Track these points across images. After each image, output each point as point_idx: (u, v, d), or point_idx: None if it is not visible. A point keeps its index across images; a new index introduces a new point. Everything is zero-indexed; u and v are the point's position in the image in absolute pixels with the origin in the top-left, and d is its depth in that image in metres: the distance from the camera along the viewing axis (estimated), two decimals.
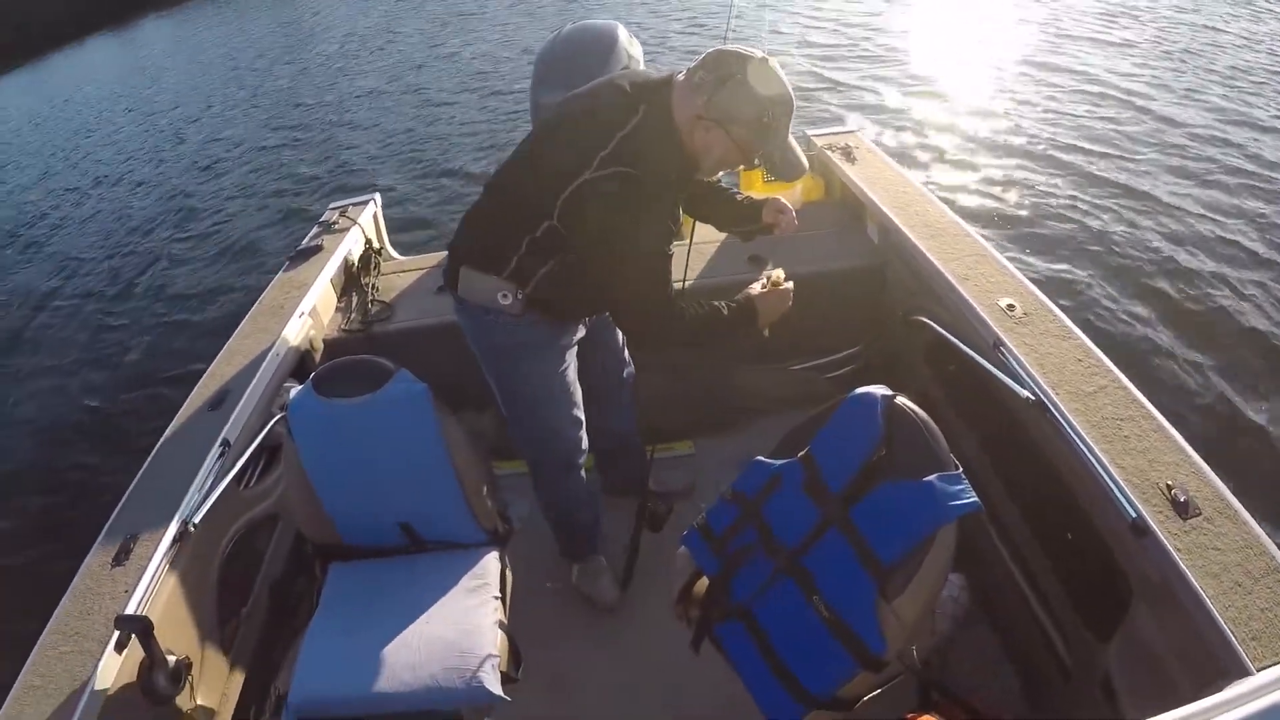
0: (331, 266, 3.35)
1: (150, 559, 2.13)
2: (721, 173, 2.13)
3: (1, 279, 10.95)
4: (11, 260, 11.90)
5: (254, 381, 2.70)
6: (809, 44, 11.08)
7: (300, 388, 2.13)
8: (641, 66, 2.65)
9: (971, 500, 1.45)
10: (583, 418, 2.38)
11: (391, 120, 12.13)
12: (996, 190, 6.49)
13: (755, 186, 3.40)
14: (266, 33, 29.05)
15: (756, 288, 2.12)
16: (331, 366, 2.10)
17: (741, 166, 3.01)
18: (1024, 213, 6.07)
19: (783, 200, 2.29)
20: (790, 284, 2.13)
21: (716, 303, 2.04)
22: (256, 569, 2.71)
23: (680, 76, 1.87)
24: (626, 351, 2.64)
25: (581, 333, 2.30)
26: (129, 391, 6.68)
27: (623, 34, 2.69)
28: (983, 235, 2.76)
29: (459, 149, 9.97)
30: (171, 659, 2.02)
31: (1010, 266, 2.56)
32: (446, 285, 2.18)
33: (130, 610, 2.01)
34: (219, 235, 9.59)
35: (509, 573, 2.23)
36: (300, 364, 3.00)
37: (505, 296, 2.02)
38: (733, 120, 1.80)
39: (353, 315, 3.28)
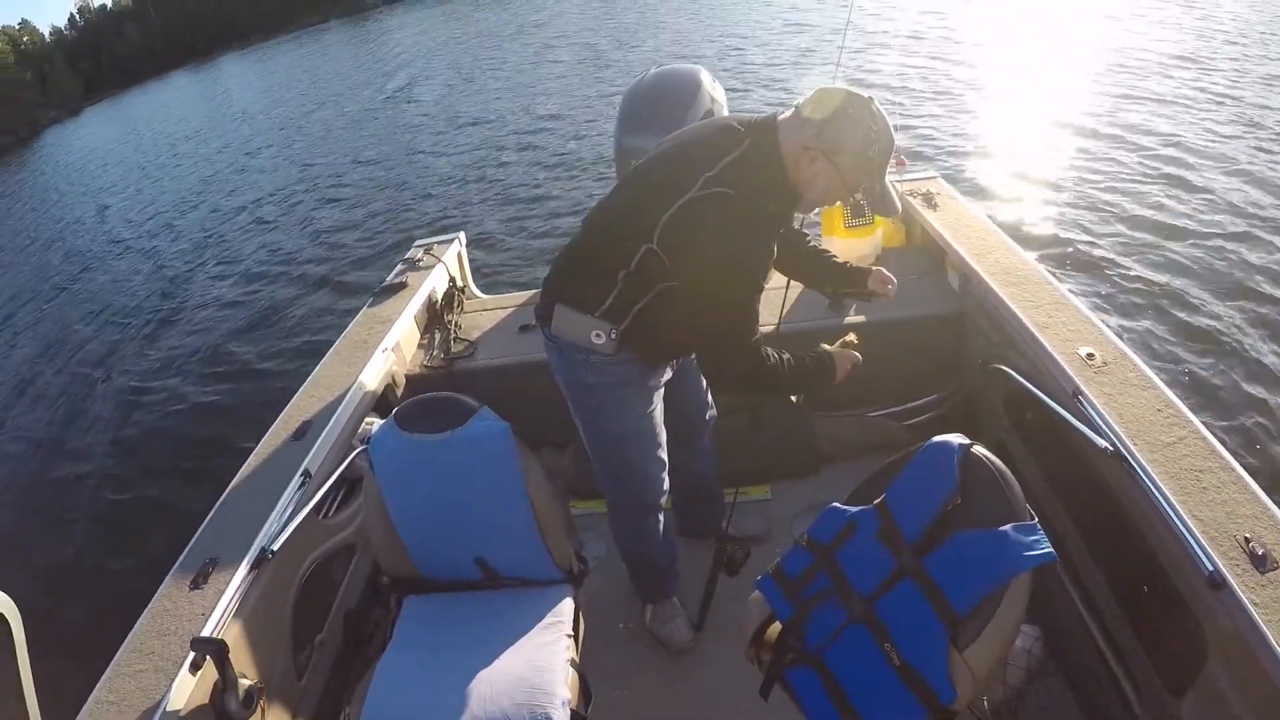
0: (415, 303, 3.46)
1: (228, 584, 2.22)
2: (816, 210, 2.17)
3: (95, 307, 11.51)
4: (94, 289, 12.50)
5: (336, 414, 2.80)
6: (892, 90, 11.21)
7: (382, 423, 2.21)
8: (725, 110, 2.71)
9: (1046, 551, 1.46)
10: (666, 459, 2.43)
11: (476, 160, 12.47)
12: (1078, 238, 6.47)
13: (837, 231, 3.44)
14: (343, 70, 30.19)
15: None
16: (414, 403, 2.17)
17: (838, 203, 3.02)
18: (1105, 261, 6.04)
19: (888, 274, 2.33)
20: (858, 355, 2.17)
21: (799, 353, 2.08)
22: (332, 598, 2.79)
23: (784, 115, 1.93)
24: (710, 395, 2.68)
25: (669, 375, 2.34)
26: (212, 419, 6.99)
27: (706, 78, 2.75)
28: (1063, 283, 2.77)
29: (544, 190, 10.19)
30: (244, 682, 2.10)
31: (1090, 315, 2.56)
32: (539, 322, 2.24)
33: (206, 633, 2.08)
34: (303, 271, 9.99)
35: (582, 612, 2.27)
36: (382, 398, 3.10)
37: (599, 336, 2.07)
38: (841, 151, 1.84)
39: (435, 352, 3.39)
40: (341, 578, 2.85)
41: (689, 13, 19.22)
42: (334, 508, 2.79)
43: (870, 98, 1.85)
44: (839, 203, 3.29)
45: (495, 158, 12.36)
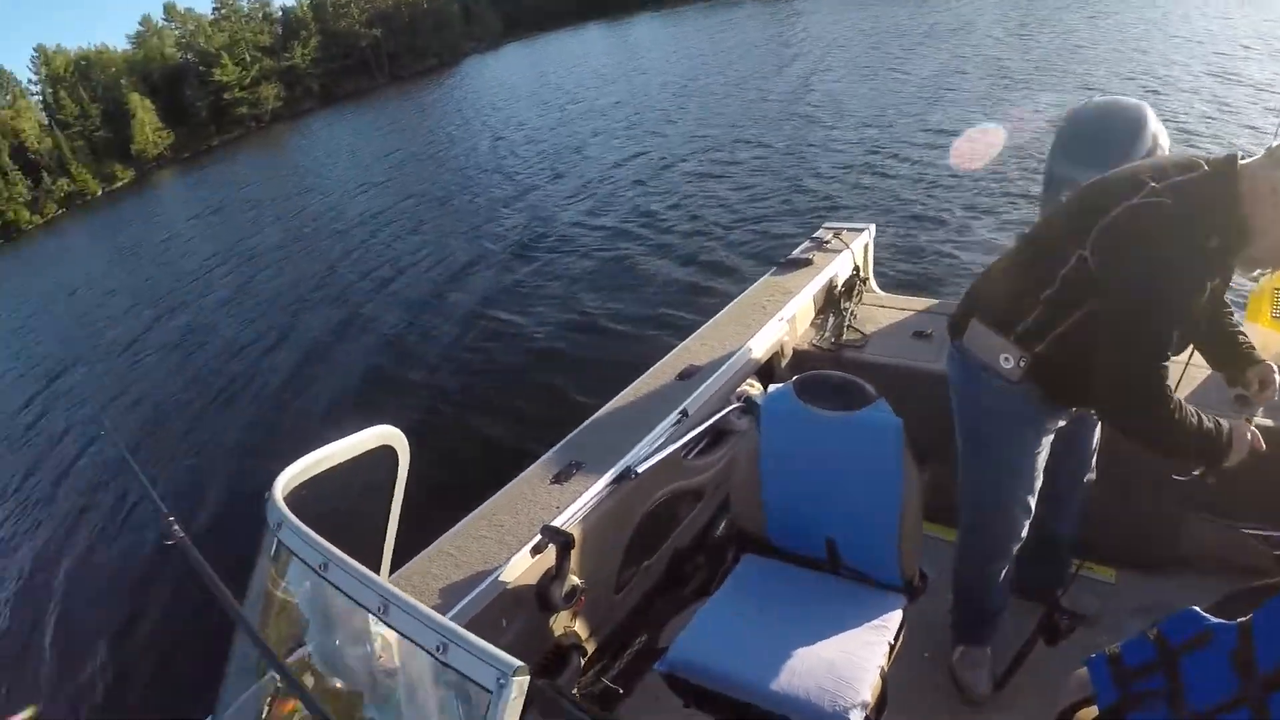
0: (817, 283, 3.64)
1: (588, 488, 2.51)
2: (1259, 272, 2.07)
3: (471, 223, 13.11)
4: (473, 208, 14.32)
5: (724, 367, 3.05)
6: None
7: (781, 385, 2.39)
8: (1167, 154, 2.58)
9: None
10: (1033, 508, 2.40)
11: (877, 159, 12.68)
12: None
13: (1261, 318, 3.15)
14: (749, 45, 31.27)
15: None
16: (816, 376, 2.33)
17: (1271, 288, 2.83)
18: None
19: (1274, 371, 2.17)
20: (1259, 437, 2.02)
21: (1203, 413, 1.98)
22: (668, 533, 3.01)
23: (1248, 157, 1.86)
24: (1095, 458, 2.61)
25: (1064, 422, 2.30)
26: (602, 337, 8.14)
27: (1151, 115, 2.62)
28: None
29: (948, 203, 10.14)
30: (572, 580, 2.37)
31: None
32: (950, 333, 2.30)
33: (557, 524, 2.37)
34: (680, 231, 10.98)
35: (906, 626, 2.32)
36: (766, 364, 3.30)
37: (1008, 360, 2.10)
38: None
39: (827, 334, 3.52)
40: (683, 517, 3.07)
41: (1106, 46, 17.90)
42: (696, 452, 3.03)
43: None
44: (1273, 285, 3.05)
45: (899, 160, 12.42)
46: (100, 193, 56.58)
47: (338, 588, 1.33)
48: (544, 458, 2.75)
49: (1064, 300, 1.99)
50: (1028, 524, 2.44)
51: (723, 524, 3.12)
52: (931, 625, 2.82)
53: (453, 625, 1.16)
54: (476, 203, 16.68)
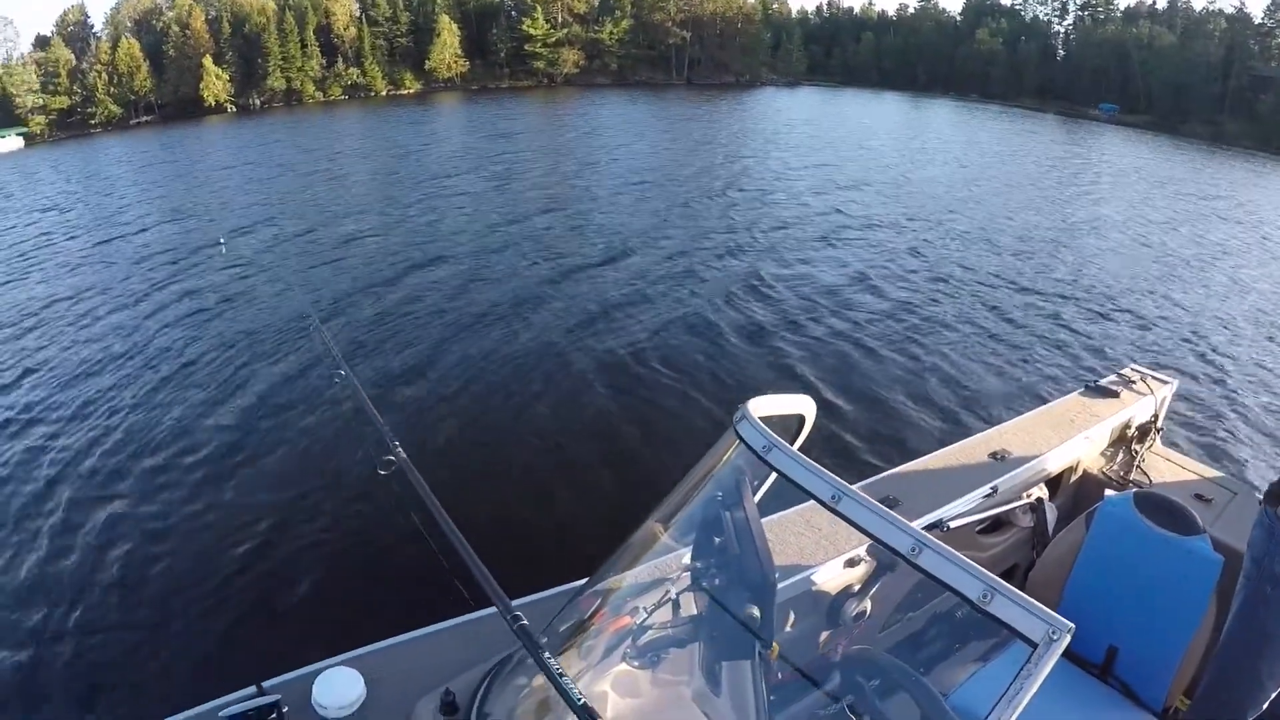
0: (1119, 417, 3.81)
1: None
2: None
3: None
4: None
5: (1031, 463, 3.25)
6: None
7: (1120, 494, 2.56)
8: None
9: None
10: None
11: (1188, 313, 12.50)
12: None
13: None
14: (1042, 161, 30.44)
15: None
16: (1154, 494, 2.48)
17: None
18: None
19: None
20: None
21: None
22: None
23: None
24: None
25: None
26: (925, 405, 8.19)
27: None
28: None
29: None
30: (866, 603, 2.40)
31: None
32: (1268, 499, 2.37)
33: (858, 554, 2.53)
34: (1022, 330, 11.19)
35: None
36: (1061, 473, 3.47)
37: None
38: None
39: (1115, 467, 3.70)
40: None
41: None
42: (981, 528, 3.20)
43: None
44: None
45: (1211, 321, 12.19)
46: (384, 93, 61.91)
47: (852, 522, 1.46)
48: (865, 483, 2.97)
49: None
50: (1271, 698, 2.45)
51: None
52: None
53: (995, 578, 1.24)
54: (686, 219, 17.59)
